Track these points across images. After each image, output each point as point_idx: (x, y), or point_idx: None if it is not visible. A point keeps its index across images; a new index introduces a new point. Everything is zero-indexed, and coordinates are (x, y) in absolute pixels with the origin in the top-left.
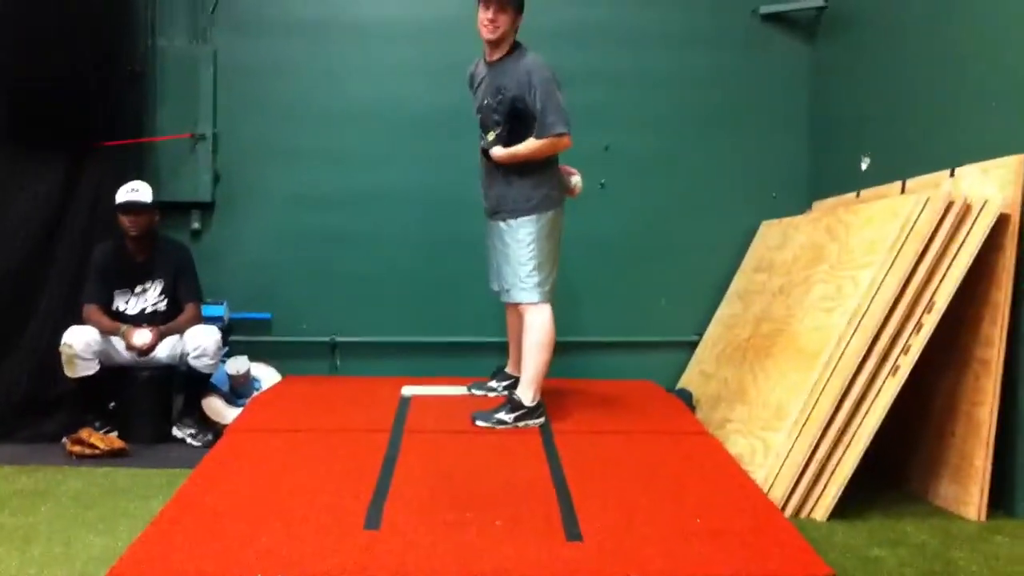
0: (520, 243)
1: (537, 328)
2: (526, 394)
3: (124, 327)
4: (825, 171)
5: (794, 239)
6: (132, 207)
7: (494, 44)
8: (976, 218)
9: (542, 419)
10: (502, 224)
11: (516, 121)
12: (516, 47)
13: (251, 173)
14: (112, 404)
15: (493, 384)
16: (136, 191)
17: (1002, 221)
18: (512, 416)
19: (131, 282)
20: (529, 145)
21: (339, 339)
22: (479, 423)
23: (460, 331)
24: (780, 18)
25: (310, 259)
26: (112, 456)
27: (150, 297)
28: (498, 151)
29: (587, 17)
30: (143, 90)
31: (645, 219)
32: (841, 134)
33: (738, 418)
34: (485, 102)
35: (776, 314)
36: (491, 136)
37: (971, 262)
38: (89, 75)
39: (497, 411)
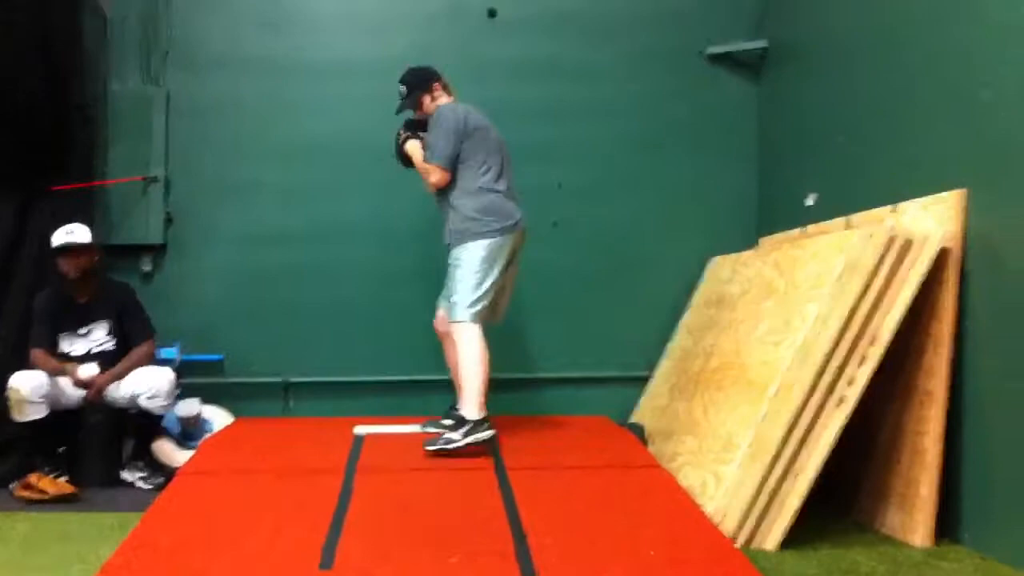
0: (459, 266)
1: (466, 345)
2: (470, 410)
3: (69, 365)
4: (773, 206)
5: (743, 274)
6: (69, 249)
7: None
8: (918, 253)
9: (491, 431)
10: (453, 250)
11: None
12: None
13: (203, 214)
14: (61, 448)
15: (446, 422)
16: (71, 233)
17: (943, 255)
18: (460, 433)
19: (75, 324)
20: (419, 157)
21: (292, 380)
22: (429, 449)
23: (413, 369)
24: (726, 58)
25: (262, 299)
26: (62, 501)
27: (96, 338)
28: (411, 146)
29: (538, 54)
30: (95, 132)
31: (597, 254)
32: (788, 170)
33: (689, 451)
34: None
35: (726, 348)
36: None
37: (914, 295)
38: (40, 118)
39: (445, 433)
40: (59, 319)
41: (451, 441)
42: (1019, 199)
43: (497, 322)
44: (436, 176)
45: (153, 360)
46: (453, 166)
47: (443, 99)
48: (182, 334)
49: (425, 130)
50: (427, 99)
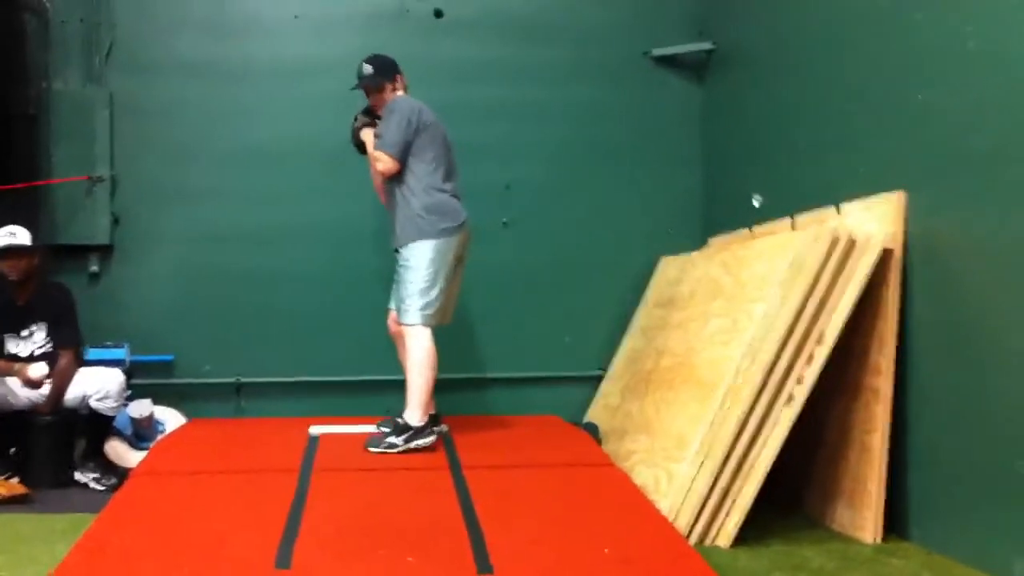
0: (408, 268)
1: (416, 349)
2: (413, 415)
3: (18, 365)
4: (720, 207)
5: (691, 274)
6: (10, 251)
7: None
8: (861, 253)
9: (432, 438)
10: (401, 251)
11: None
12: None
13: (150, 214)
14: (12, 449)
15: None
16: (13, 235)
17: (886, 256)
18: (402, 438)
19: (16, 326)
20: (371, 144)
21: (244, 380)
22: (371, 450)
23: (367, 369)
24: (671, 60)
25: (212, 299)
26: (14, 502)
27: (37, 339)
28: (365, 133)
29: (484, 55)
30: (38, 133)
31: (547, 254)
32: (734, 171)
33: (642, 449)
34: None
35: (676, 347)
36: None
37: (858, 295)
38: None
39: (386, 436)
40: (1, 321)
41: (392, 445)
42: (954, 201)
43: (446, 322)
44: (385, 164)
45: (83, 364)
46: (403, 157)
47: (400, 93)
48: (131, 334)
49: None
50: (388, 87)
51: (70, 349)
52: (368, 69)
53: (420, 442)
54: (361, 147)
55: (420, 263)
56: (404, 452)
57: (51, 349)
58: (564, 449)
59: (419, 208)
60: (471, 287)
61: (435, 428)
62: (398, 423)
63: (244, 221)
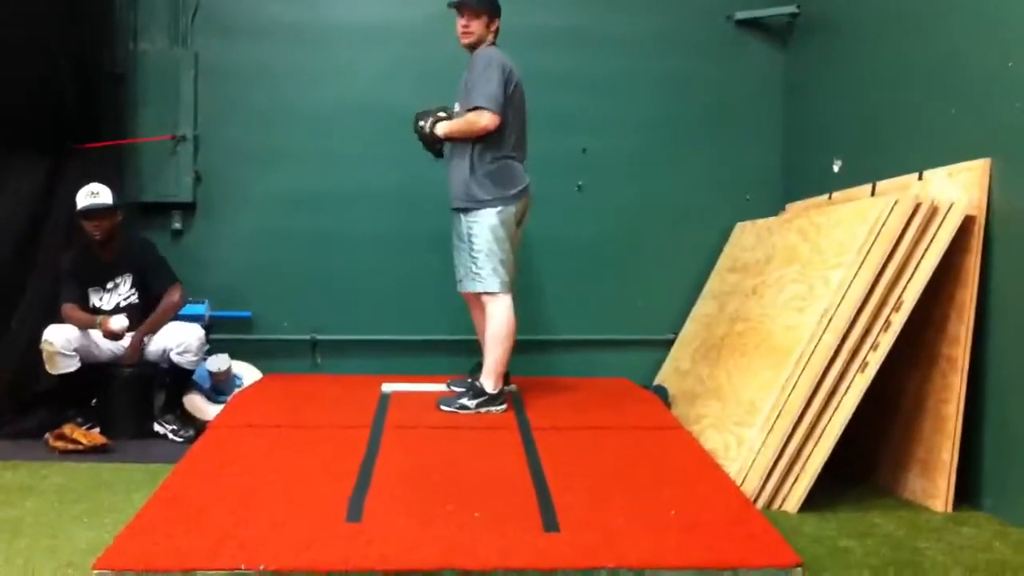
0: (473, 236)
1: (496, 319)
2: (487, 382)
3: (100, 317)
4: (798, 173)
5: (767, 240)
6: (93, 212)
7: (469, 48)
8: (943, 220)
9: (504, 407)
10: (462, 216)
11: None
12: (487, 45)
13: (231, 174)
14: (94, 400)
15: (459, 390)
16: (96, 195)
17: (968, 223)
18: (475, 402)
19: (102, 280)
20: (457, 120)
21: (319, 337)
22: (443, 408)
23: (438, 329)
24: (754, 24)
25: (290, 258)
26: (94, 452)
27: (121, 291)
28: (440, 126)
29: (561, 22)
30: (125, 93)
31: (622, 220)
32: (814, 137)
33: (712, 414)
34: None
35: (750, 313)
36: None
37: (938, 263)
38: (69, 78)
39: (460, 397)
40: (86, 276)
41: (464, 407)
42: None
43: None
44: (489, 120)
45: (184, 305)
46: (504, 112)
47: (491, 40)
48: (211, 291)
49: (441, 112)
50: (485, 21)
51: (174, 285)
52: None
53: (492, 408)
54: (436, 146)
55: (488, 231)
56: (474, 414)
57: (136, 300)
58: (633, 412)
59: (481, 174)
60: (544, 249)
61: (505, 387)
62: (475, 387)
63: (321, 183)
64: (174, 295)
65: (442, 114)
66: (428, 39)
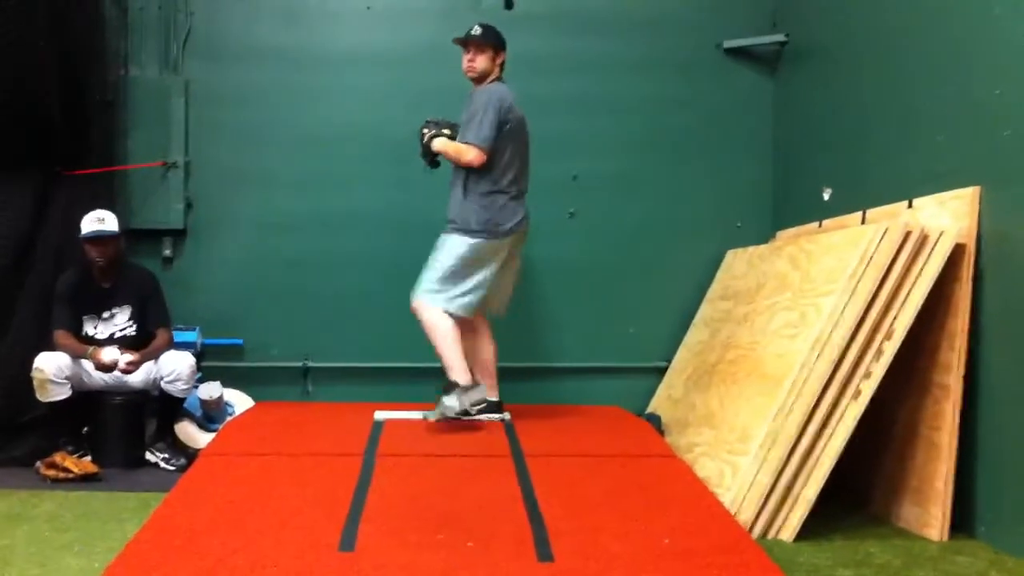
0: (444, 253)
1: (427, 321)
2: (455, 376)
3: (91, 348)
4: (789, 201)
5: (758, 267)
6: (99, 238)
7: (475, 82)
8: (933, 248)
9: (484, 393)
10: (443, 235)
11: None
12: (492, 80)
13: (222, 200)
14: (85, 428)
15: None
16: (102, 220)
17: (958, 251)
18: (455, 399)
19: (98, 308)
20: (449, 144)
21: (311, 364)
22: (429, 418)
23: (431, 356)
24: (743, 52)
25: (281, 284)
26: (86, 480)
27: (118, 322)
28: (437, 141)
29: (553, 48)
30: (114, 119)
31: (613, 246)
32: (804, 164)
33: (706, 442)
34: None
35: (741, 340)
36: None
37: (929, 291)
38: (58, 104)
39: (440, 404)
40: (82, 302)
41: (449, 407)
42: None
43: (499, 315)
44: (472, 155)
45: (172, 345)
46: (492, 149)
47: (496, 76)
48: (202, 318)
49: (446, 128)
50: (493, 61)
51: (165, 328)
52: (477, 32)
53: (473, 396)
54: (430, 157)
55: (450, 254)
56: (463, 417)
57: (133, 332)
58: (626, 439)
59: (474, 203)
60: (536, 276)
61: (498, 415)
62: (446, 385)
63: (313, 207)
64: (164, 337)
65: (446, 131)
66: (419, 64)
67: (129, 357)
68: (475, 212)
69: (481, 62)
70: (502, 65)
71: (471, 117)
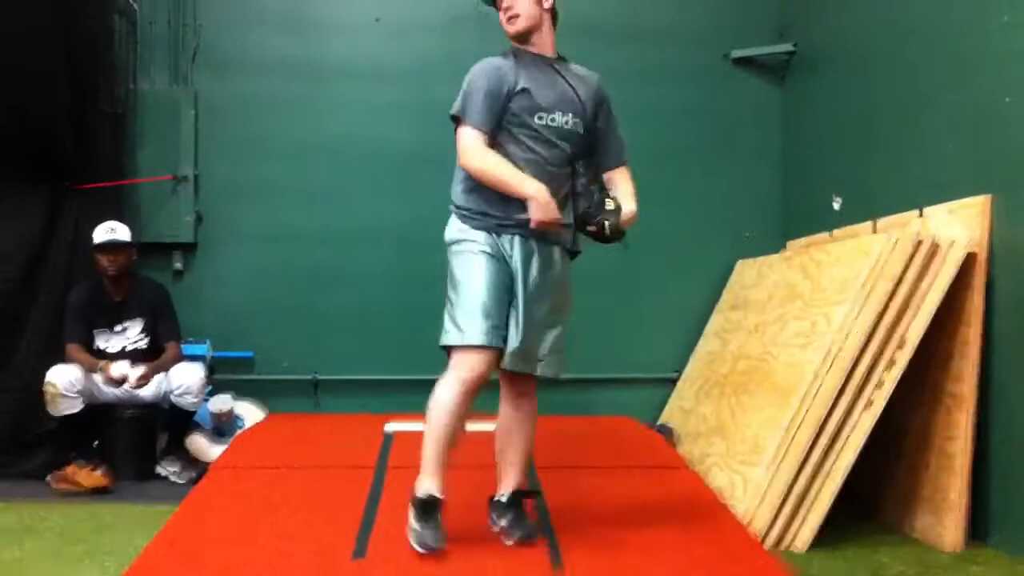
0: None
1: (435, 394)
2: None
3: (102, 362)
4: (799, 211)
5: (768, 277)
6: (111, 246)
7: (518, 40)
8: (945, 257)
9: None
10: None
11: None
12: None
13: (232, 213)
14: (96, 442)
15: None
16: (113, 231)
17: (970, 260)
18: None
19: (110, 321)
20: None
21: (321, 377)
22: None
23: (441, 367)
24: (751, 61)
25: (292, 297)
26: (97, 493)
27: (130, 335)
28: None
29: (563, 53)
30: (123, 132)
31: (624, 257)
32: (814, 174)
33: (717, 452)
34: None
35: (752, 351)
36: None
37: (940, 300)
38: (67, 118)
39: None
40: (94, 315)
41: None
42: None
43: None
44: (460, 132)
45: (182, 358)
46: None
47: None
48: (213, 331)
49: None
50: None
51: (175, 341)
52: None
53: (412, 522)
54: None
55: (454, 263)
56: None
57: (144, 346)
58: (638, 451)
59: (466, 192)
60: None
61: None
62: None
63: (323, 220)
64: (173, 350)
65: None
66: (429, 77)
67: (139, 372)
68: (465, 203)
69: (523, 6)
70: (553, 11)
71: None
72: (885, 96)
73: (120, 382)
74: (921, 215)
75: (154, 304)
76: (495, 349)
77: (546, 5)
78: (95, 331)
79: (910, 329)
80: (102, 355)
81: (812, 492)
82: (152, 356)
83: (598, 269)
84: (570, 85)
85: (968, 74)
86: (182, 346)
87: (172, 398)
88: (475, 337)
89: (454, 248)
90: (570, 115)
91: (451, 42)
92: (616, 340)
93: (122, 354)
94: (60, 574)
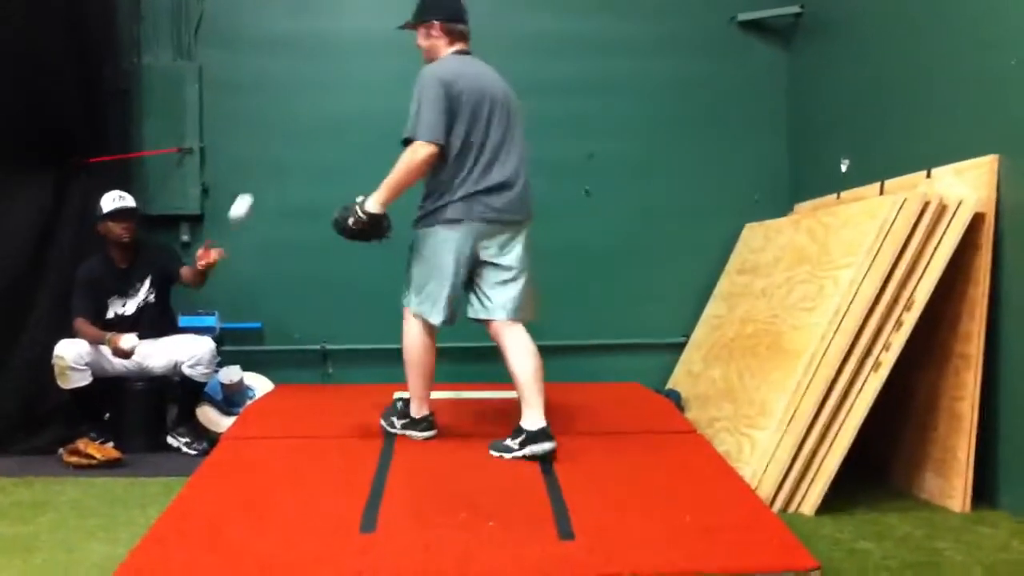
0: (413, 251)
1: (405, 342)
2: (412, 405)
3: (109, 335)
4: (806, 174)
5: (776, 241)
6: (123, 213)
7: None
8: (952, 218)
9: (428, 432)
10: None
11: None
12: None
13: (238, 185)
14: (107, 415)
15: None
16: (123, 198)
17: (977, 220)
18: (400, 423)
19: (122, 288)
20: (391, 174)
21: (329, 347)
22: (384, 426)
23: (448, 336)
24: (757, 25)
25: (299, 268)
26: (108, 466)
27: (142, 293)
28: (369, 200)
29: (567, 27)
30: (130, 106)
31: (630, 224)
32: (821, 137)
33: (725, 416)
34: None
35: (759, 315)
36: None
37: (948, 261)
38: (73, 93)
39: (390, 414)
40: (105, 286)
41: (392, 426)
42: None
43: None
44: (421, 149)
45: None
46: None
47: (443, 49)
48: (221, 302)
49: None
50: (427, 36)
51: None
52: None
53: (413, 433)
54: (369, 229)
55: (418, 250)
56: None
57: (153, 300)
58: (646, 416)
59: (429, 191)
60: (553, 254)
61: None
62: (402, 409)
63: (329, 193)
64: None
65: (359, 197)
66: None
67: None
68: (427, 199)
69: (421, 41)
70: (453, 34)
71: (413, 109)
72: (892, 57)
73: (128, 354)
74: (929, 176)
75: (160, 258)
76: None
77: (434, 34)
78: (109, 300)
79: (918, 290)
80: (121, 319)
81: (820, 455)
82: (162, 312)
83: (605, 235)
84: None
85: (976, 35)
86: (178, 317)
87: (182, 369)
88: None
89: None
90: None
91: None
92: (624, 306)
93: (139, 312)
94: (75, 547)
